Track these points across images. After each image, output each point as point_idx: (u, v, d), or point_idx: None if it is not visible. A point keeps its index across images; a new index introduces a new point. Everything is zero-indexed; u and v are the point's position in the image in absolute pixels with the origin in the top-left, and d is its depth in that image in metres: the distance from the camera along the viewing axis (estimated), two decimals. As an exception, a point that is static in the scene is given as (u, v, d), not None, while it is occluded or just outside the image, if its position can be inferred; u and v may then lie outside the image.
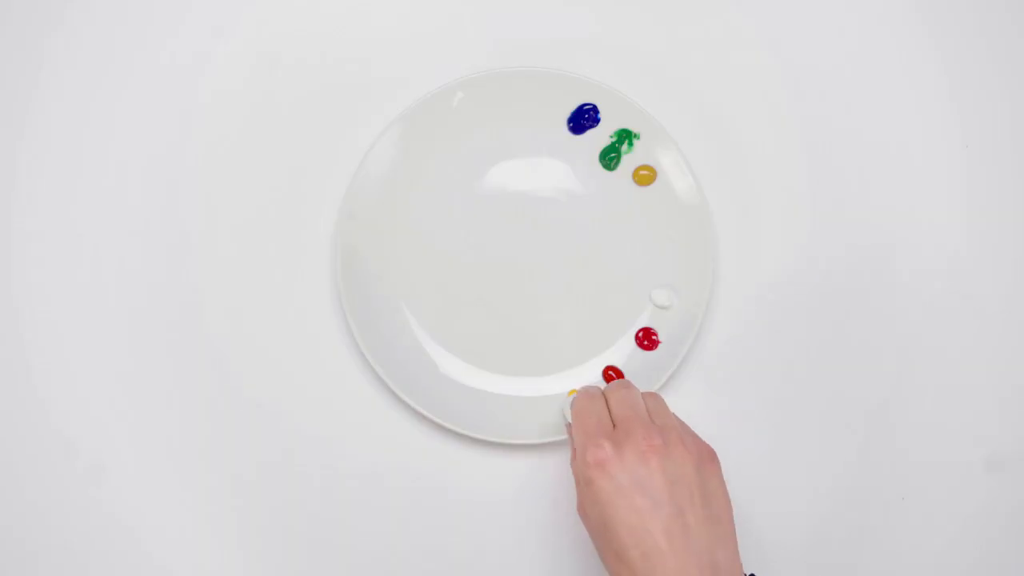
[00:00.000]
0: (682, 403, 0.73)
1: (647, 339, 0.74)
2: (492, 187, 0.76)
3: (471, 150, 0.76)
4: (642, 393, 0.67)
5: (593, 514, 0.62)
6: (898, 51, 0.78)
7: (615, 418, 0.64)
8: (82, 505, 0.74)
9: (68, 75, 0.77)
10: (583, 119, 0.75)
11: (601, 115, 0.75)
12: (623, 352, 0.75)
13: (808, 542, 0.73)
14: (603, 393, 0.67)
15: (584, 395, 0.67)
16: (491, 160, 0.76)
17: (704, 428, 0.69)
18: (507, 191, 0.76)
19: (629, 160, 0.76)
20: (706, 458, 0.62)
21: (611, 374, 0.74)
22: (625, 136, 0.75)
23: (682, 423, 0.65)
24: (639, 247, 0.75)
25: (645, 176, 0.75)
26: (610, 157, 0.76)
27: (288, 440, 0.75)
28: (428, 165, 0.75)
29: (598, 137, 0.76)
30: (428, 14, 0.78)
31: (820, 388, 0.75)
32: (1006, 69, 0.78)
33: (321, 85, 0.77)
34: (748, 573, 0.64)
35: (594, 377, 0.74)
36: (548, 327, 0.75)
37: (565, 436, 0.73)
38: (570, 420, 0.67)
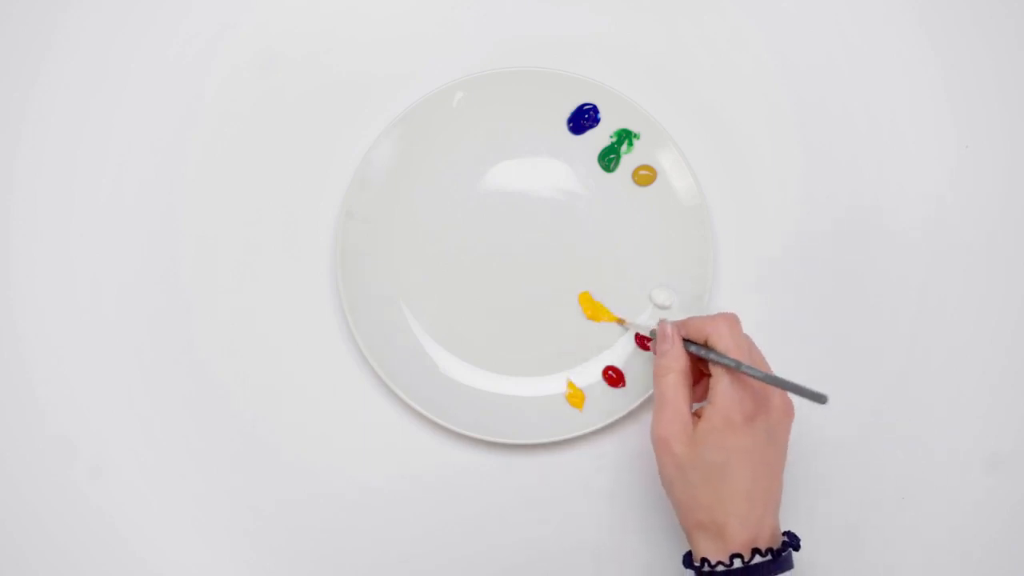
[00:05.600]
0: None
1: (648, 339, 0.74)
2: (492, 187, 0.76)
3: (471, 150, 0.76)
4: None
5: (715, 459, 0.62)
6: (898, 51, 0.78)
7: (760, 368, 0.64)
8: (80, 509, 0.74)
9: (67, 76, 0.77)
10: (583, 119, 0.75)
11: (601, 115, 0.75)
12: (623, 352, 0.75)
13: (808, 542, 0.73)
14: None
15: (734, 326, 0.65)
16: (491, 160, 0.76)
17: (704, 428, 0.69)
18: (507, 191, 0.76)
19: (629, 160, 0.76)
20: (793, 414, 0.65)
21: (611, 374, 0.74)
22: (625, 136, 0.75)
23: None
24: (639, 247, 0.75)
25: (645, 176, 0.75)
26: (609, 159, 0.76)
27: (287, 440, 0.75)
28: (428, 165, 0.75)
29: (598, 137, 0.76)
30: (428, 14, 0.78)
31: (819, 388, 0.75)
32: (1006, 70, 0.78)
33: (321, 85, 0.77)
34: (785, 531, 0.65)
35: (594, 377, 0.74)
36: (548, 327, 0.75)
37: (562, 436, 0.73)
38: (693, 344, 0.66)
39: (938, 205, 0.77)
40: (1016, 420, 0.75)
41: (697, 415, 0.65)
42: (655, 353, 0.67)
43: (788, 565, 0.63)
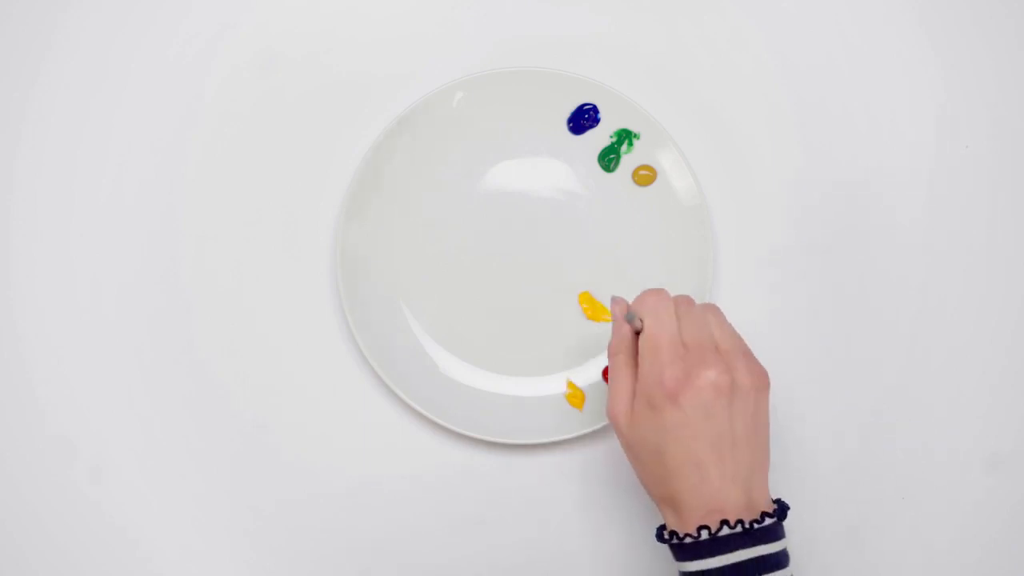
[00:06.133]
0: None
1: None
2: (492, 187, 0.76)
3: (471, 150, 0.76)
4: (702, 306, 0.65)
5: (650, 438, 0.62)
6: (898, 51, 0.78)
7: (687, 340, 0.63)
8: (80, 509, 0.74)
9: (67, 76, 0.77)
10: (583, 119, 0.75)
11: (601, 115, 0.75)
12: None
13: (808, 542, 0.73)
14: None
15: (658, 303, 0.64)
16: (491, 160, 0.76)
17: (704, 428, 0.69)
18: (507, 191, 0.76)
19: (629, 160, 0.76)
20: (762, 385, 0.63)
21: (611, 374, 0.74)
22: (625, 136, 0.75)
23: (741, 341, 0.64)
24: (639, 247, 0.75)
25: (645, 176, 0.75)
26: (609, 159, 0.76)
27: (287, 440, 0.75)
28: (428, 165, 0.75)
29: (598, 137, 0.76)
30: (428, 14, 0.78)
31: (819, 389, 0.75)
32: (1006, 70, 0.78)
33: (321, 85, 0.77)
34: (775, 499, 0.64)
35: (594, 377, 0.74)
36: (548, 327, 0.75)
37: (562, 436, 0.73)
38: (631, 321, 0.64)
39: (938, 205, 0.76)
40: (1016, 420, 0.75)
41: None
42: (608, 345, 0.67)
43: (770, 536, 0.61)
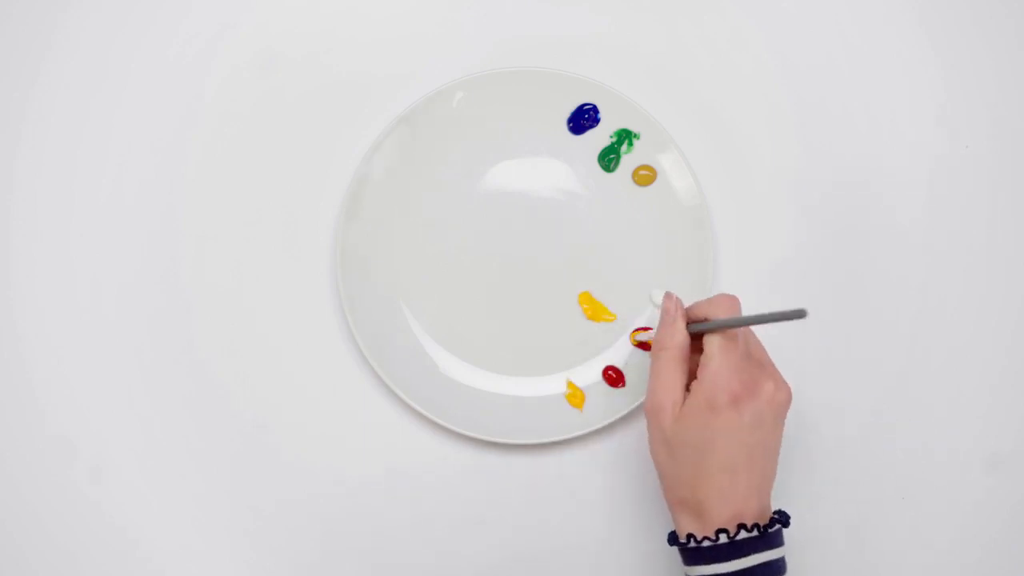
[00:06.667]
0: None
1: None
2: (492, 187, 0.76)
3: (471, 150, 0.76)
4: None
5: (697, 437, 0.62)
6: (898, 51, 0.78)
7: (750, 351, 0.65)
8: (80, 509, 0.74)
9: (67, 76, 0.77)
10: (583, 119, 0.75)
11: (601, 115, 0.75)
12: (623, 352, 0.75)
13: (808, 542, 0.73)
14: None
15: (734, 310, 0.65)
16: (491, 160, 0.76)
17: (704, 428, 0.69)
18: (507, 191, 0.76)
19: (629, 160, 0.76)
20: (790, 401, 0.65)
21: (611, 374, 0.74)
22: (625, 136, 0.75)
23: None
24: (639, 247, 0.75)
25: (645, 176, 0.75)
26: (609, 159, 0.76)
27: (287, 440, 0.75)
28: (428, 165, 0.75)
29: (598, 137, 0.76)
30: (428, 14, 0.78)
31: (818, 389, 0.75)
32: (1006, 70, 0.78)
33: (321, 85, 0.77)
34: (776, 509, 0.65)
35: (594, 377, 0.74)
36: (548, 327, 0.75)
37: (562, 436, 0.73)
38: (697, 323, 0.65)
39: (938, 205, 0.77)
40: (1016, 420, 0.75)
41: (689, 390, 0.65)
42: (653, 339, 0.67)
43: (777, 542, 0.63)
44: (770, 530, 0.63)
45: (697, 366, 0.65)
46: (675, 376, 0.65)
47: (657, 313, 0.75)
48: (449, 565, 0.74)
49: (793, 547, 0.73)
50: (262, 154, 0.77)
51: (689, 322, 0.66)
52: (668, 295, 0.68)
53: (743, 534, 0.62)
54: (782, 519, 0.64)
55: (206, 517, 0.74)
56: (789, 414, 0.74)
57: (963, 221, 0.76)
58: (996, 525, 0.75)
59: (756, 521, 0.63)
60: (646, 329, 0.75)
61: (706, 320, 0.65)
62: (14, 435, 0.74)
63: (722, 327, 0.64)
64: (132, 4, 0.77)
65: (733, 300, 0.66)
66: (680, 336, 0.66)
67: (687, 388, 0.65)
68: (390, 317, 0.75)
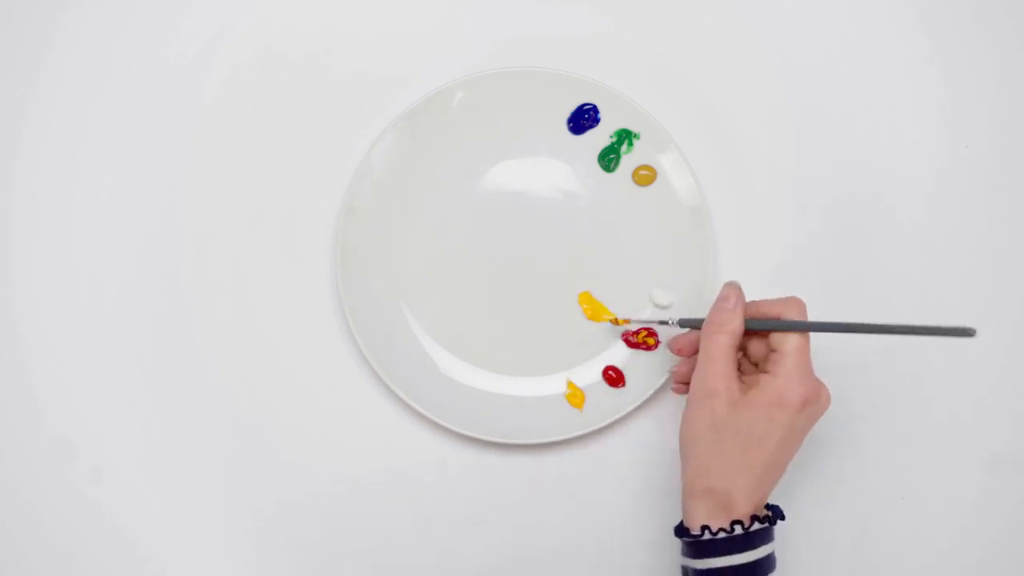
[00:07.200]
0: (681, 402, 0.73)
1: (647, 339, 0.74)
2: (492, 187, 0.76)
3: (471, 150, 0.76)
4: None
5: (756, 428, 0.63)
6: (898, 51, 0.78)
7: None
8: (80, 509, 0.74)
9: (67, 76, 0.77)
10: (583, 119, 0.75)
11: (601, 115, 0.75)
12: (623, 352, 0.75)
13: (808, 542, 0.73)
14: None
15: (804, 315, 0.65)
16: (491, 160, 0.76)
17: (704, 428, 0.69)
18: (507, 191, 0.76)
19: (629, 160, 0.76)
20: None
21: (611, 374, 0.74)
22: (625, 136, 0.75)
23: None
24: (639, 247, 0.75)
25: (645, 176, 0.75)
26: (609, 159, 0.76)
27: (287, 440, 0.75)
28: (428, 165, 0.75)
29: (598, 137, 0.76)
30: (428, 14, 0.78)
31: (820, 388, 0.75)
32: (1006, 70, 0.78)
33: (321, 85, 0.77)
34: (768, 504, 0.66)
35: (594, 377, 0.74)
36: (548, 327, 0.75)
37: (562, 436, 0.73)
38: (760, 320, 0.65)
39: (938, 205, 0.77)
40: (1016, 420, 0.75)
41: (744, 382, 0.65)
42: (707, 321, 0.66)
43: (773, 534, 0.65)
44: (771, 524, 0.64)
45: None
46: (730, 362, 0.64)
47: (658, 313, 0.75)
48: (449, 565, 0.74)
49: (793, 547, 0.73)
50: (262, 154, 0.77)
51: (752, 317, 0.66)
52: (731, 283, 0.67)
53: (756, 525, 0.63)
54: (779, 513, 0.66)
55: (206, 517, 0.74)
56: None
57: (963, 221, 0.76)
58: (996, 525, 0.75)
59: (765, 514, 0.64)
60: (628, 324, 0.74)
61: (779, 318, 0.65)
62: (14, 435, 0.74)
63: (806, 330, 0.64)
64: (132, 4, 0.77)
65: (802, 304, 0.66)
66: (738, 322, 0.65)
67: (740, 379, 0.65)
68: (390, 317, 0.75)
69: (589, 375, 0.75)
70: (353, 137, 0.76)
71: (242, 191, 0.76)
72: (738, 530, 0.62)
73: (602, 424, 0.73)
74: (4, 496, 0.74)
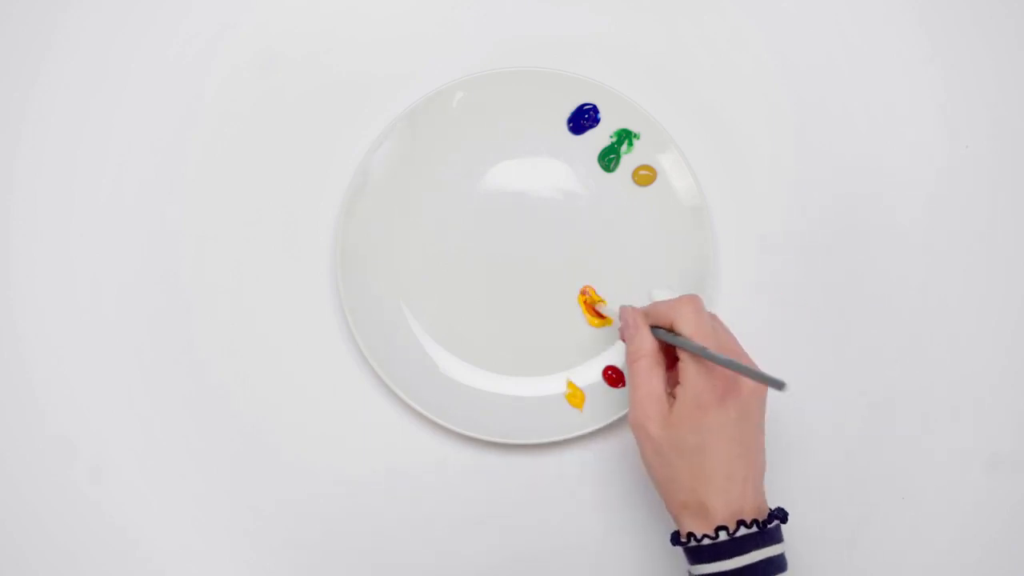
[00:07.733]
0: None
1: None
2: (492, 187, 0.76)
3: (471, 150, 0.76)
4: (709, 314, 0.66)
5: (691, 439, 0.63)
6: (898, 51, 0.78)
7: (723, 346, 0.65)
8: (80, 509, 0.74)
9: (67, 76, 0.77)
10: (583, 119, 0.75)
11: (601, 115, 0.75)
12: (623, 352, 0.75)
13: (808, 542, 0.73)
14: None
15: (698, 310, 0.65)
16: (491, 160, 0.76)
17: (704, 428, 0.69)
18: (507, 191, 0.76)
19: (629, 160, 0.76)
20: (766, 390, 0.65)
21: (611, 374, 0.74)
22: (625, 136, 0.75)
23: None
24: (639, 247, 0.75)
25: (645, 176, 0.75)
26: (609, 159, 0.76)
27: (287, 440, 0.75)
28: (428, 165, 0.75)
29: (598, 137, 0.76)
30: (428, 14, 0.78)
31: (819, 388, 0.75)
32: (1006, 70, 0.78)
33: (321, 85, 0.77)
34: (773, 507, 0.65)
35: (594, 377, 0.74)
36: (548, 327, 0.75)
37: (562, 436, 0.73)
38: (682, 327, 0.64)
39: (938, 205, 0.77)
40: (1016, 420, 0.75)
41: (673, 396, 0.65)
42: (623, 340, 0.67)
43: (777, 538, 0.63)
44: (768, 526, 0.63)
45: (672, 374, 0.66)
46: (656, 384, 0.65)
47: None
48: (449, 565, 0.74)
49: (793, 547, 0.73)
50: (262, 154, 0.77)
51: (656, 328, 0.66)
52: (623, 308, 0.68)
53: (743, 530, 0.62)
54: (780, 515, 0.65)
55: (206, 517, 0.74)
56: (789, 414, 0.74)
57: (963, 221, 0.76)
58: (996, 525, 0.75)
59: (755, 517, 0.63)
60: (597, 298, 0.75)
61: (671, 326, 0.65)
62: (14, 435, 0.74)
63: (694, 352, 0.63)
64: (132, 4, 0.77)
65: (696, 302, 0.65)
66: (649, 342, 0.65)
67: (671, 395, 0.65)
68: (390, 317, 0.75)
69: (589, 375, 0.75)
70: (353, 137, 0.76)
71: (242, 191, 0.76)
72: (723, 536, 0.62)
73: (602, 424, 0.73)
74: (4, 496, 0.74)
